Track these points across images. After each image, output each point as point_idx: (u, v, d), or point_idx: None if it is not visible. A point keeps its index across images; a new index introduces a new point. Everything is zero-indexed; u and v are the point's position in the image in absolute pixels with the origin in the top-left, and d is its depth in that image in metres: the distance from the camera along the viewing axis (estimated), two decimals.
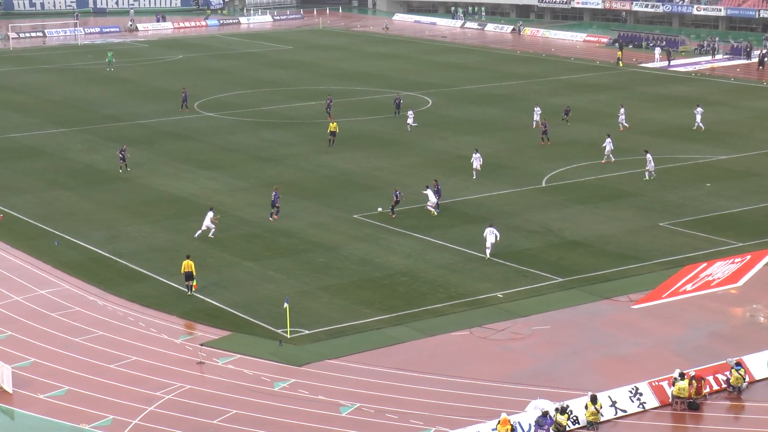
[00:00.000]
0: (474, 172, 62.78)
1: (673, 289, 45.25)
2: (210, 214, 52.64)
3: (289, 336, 40.53)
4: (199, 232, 52.44)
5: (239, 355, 39.00)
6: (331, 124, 71.78)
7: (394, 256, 49.67)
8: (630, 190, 60.22)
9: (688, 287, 45.40)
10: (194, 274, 44.91)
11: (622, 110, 76.95)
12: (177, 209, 57.77)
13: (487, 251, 49.04)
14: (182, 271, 44.92)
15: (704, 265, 47.95)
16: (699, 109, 76.31)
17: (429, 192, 56.00)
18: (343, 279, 46.90)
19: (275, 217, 55.31)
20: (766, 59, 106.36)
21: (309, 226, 54.51)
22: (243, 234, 53.35)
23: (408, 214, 56.13)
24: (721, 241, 51.43)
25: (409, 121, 75.97)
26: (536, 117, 77.15)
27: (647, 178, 61.93)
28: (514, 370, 37.62)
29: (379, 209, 55.49)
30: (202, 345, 39.78)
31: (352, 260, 49.25)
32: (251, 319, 42.37)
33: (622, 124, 75.96)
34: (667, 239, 51.80)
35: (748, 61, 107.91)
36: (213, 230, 52.40)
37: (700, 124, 75.46)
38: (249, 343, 40.20)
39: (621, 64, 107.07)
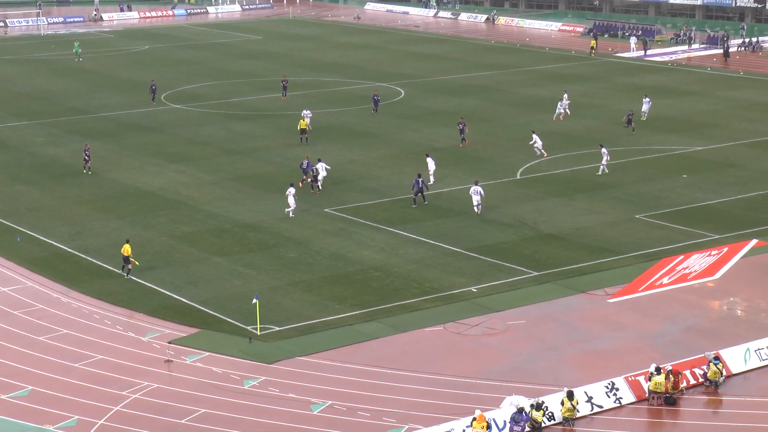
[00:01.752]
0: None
1: (649, 282, 45.45)
2: (292, 190, 54.37)
3: (259, 333, 40.47)
4: (290, 209, 54.26)
5: (208, 353, 38.90)
6: (301, 120, 71.31)
7: (366, 251, 49.67)
8: (606, 182, 60.43)
9: (665, 280, 45.61)
10: (131, 257, 46.19)
11: (566, 96, 77.26)
12: (143, 204, 57.55)
13: (476, 209, 53.63)
14: (122, 253, 46.43)
15: (681, 257, 48.20)
16: (646, 99, 76.91)
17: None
18: (314, 274, 46.86)
19: (306, 181, 58.71)
20: (731, 50, 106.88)
21: (279, 220, 54.42)
22: (211, 229, 53.21)
23: (381, 207, 56.13)
24: (698, 233, 51.70)
25: (307, 120, 71.72)
26: (560, 109, 76.27)
27: (600, 173, 61.85)
28: (488, 366, 37.70)
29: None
30: (169, 342, 39.65)
31: (324, 255, 49.22)
32: (220, 316, 42.28)
33: (565, 111, 76.18)
34: (644, 232, 52.03)
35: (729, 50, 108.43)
36: (292, 208, 54.22)
37: (646, 114, 76.01)
38: (218, 340, 40.11)
39: (593, 54, 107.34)
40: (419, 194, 56.14)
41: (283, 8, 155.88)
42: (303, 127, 70.53)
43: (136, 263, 46.66)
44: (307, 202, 57.07)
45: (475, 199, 54.21)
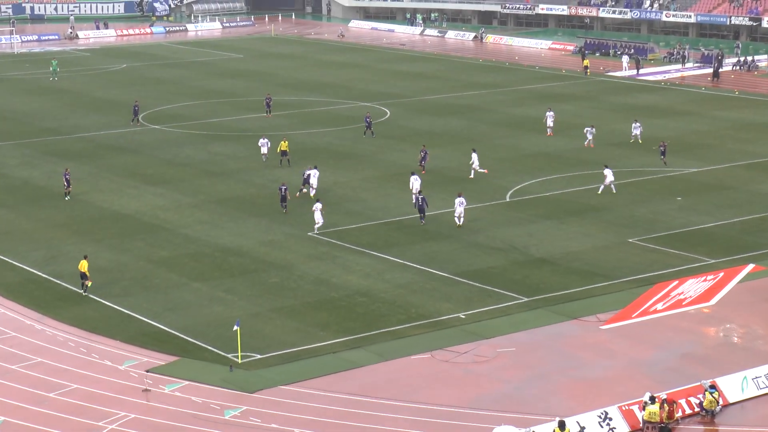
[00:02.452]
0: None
1: (643, 308, 45.51)
2: (318, 206, 55.82)
3: (240, 361, 40.36)
4: (317, 225, 55.59)
5: (187, 382, 38.78)
6: (282, 142, 70.86)
7: (351, 276, 49.65)
8: (598, 205, 60.60)
9: (659, 306, 45.68)
10: (87, 274, 46.90)
11: (592, 129, 76.49)
12: (121, 227, 57.45)
13: (456, 220, 55.90)
14: (79, 269, 47.22)
15: (675, 283, 48.29)
16: (637, 125, 76.99)
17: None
18: (297, 300, 46.80)
19: (303, 192, 61.45)
20: (722, 69, 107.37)
21: (261, 244, 54.39)
22: (191, 253, 53.14)
23: (366, 230, 56.16)
24: (693, 257, 51.84)
25: (263, 150, 70.79)
26: (589, 136, 74.83)
27: (600, 192, 62.39)
28: (477, 395, 37.67)
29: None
30: (147, 371, 39.52)
31: (307, 280, 49.18)
32: (200, 344, 42.16)
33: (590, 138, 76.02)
34: (637, 256, 52.14)
35: (720, 69, 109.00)
36: (319, 224, 55.66)
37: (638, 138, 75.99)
38: (197, 368, 39.98)
39: (588, 74, 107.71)
40: (421, 212, 57.28)
41: (264, 26, 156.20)
42: (284, 149, 70.25)
43: (89, 284, 47.13)
44: (291, 225, 57.06)
45: (458, 211, 56.02)
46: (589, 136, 75.08)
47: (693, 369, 39.40)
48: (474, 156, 66.95)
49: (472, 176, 66.15)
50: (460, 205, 56.19)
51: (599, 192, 62.48)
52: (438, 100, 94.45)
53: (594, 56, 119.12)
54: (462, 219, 56.22)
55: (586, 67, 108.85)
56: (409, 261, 51.48)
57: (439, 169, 68.51)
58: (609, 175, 62.79)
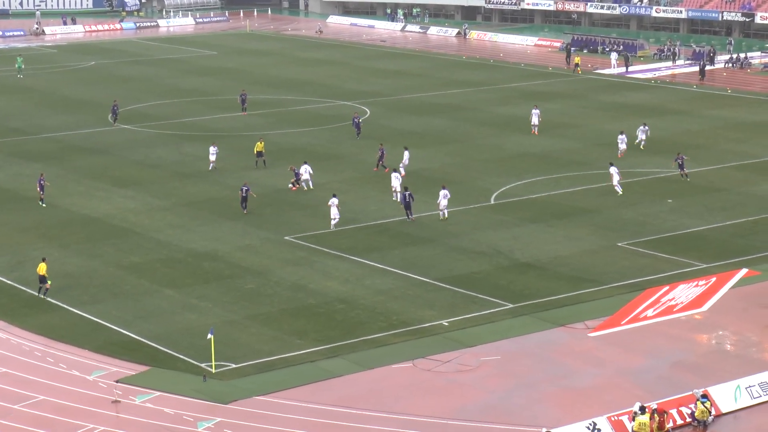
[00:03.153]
0: None
1: (632, 315, 45.60)
2: (335, 201, 57.03)
3: (214, 371, 40.29)
4: (334, 221, 56.79)
5: (159, 393, 38.68)
6: (258, 143, 70.79)
7: (330, 282, 49.62)
8: (585, 207, 60.73)
9: (649, 313, 45.78)
10: (47, 276, 47.50)
11: (645, 128, 75.76)
12: (89, 231, 57.29)
13: (440, 213, 57.74)
14: (37, 272, 47.65)
15: (666, 288, 48.41)
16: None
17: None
18: (273, 307, 46.75)
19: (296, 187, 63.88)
20: (708, 68, 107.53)
21: (236, 249, 54.31)
22: (162, 258, 53.02)
23: (345, 234, 56.14)
24: (685, 262, 51.98)
25: (212, 158, 69.20)
26: (642, 135, 74.62)
27: (620, 192, 62.73)
28: (462, 405, 37.69)
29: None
30: (117, 381, 39.41)
31: (284, 286, 49.13)
32: (172, 353, 42.07)
33: (643, 139, 75.29)
34: (626, 260, 52.26)
35: (712, 67, 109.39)
36: (336, 220, 56.79)
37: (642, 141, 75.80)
38: (169, 378, 39.89)
39: (579, 71, 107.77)
40: (407, 209, 58.08)
41: (239, 21, 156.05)
42: (259, 149, 70.19)
43: (47, 287, 47.58)
44: (267, 229, 56.99)
45: (443, 203, 57.84)
46: (642, 136, 74.64)
47: (684, 378, 39.50)
48: (406, 153, 67.56)
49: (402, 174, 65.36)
50: (444, 198, 57.80)
51: (620, 193, 62.39)
52: (420, 98, 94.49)
53: (582, 53, 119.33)
54: (446, 212, 57.73)
55: (576, 65, 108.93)
56: (389, 266, 51.47)
57: (421, 170, 68.51)
58: (615, 174, 62.95)
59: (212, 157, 69.41)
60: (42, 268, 47.67)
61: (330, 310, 46.38)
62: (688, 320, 45.37)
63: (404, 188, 59.64)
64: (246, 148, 73.29)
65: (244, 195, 60.04)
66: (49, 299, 47.34)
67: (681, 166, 66.91)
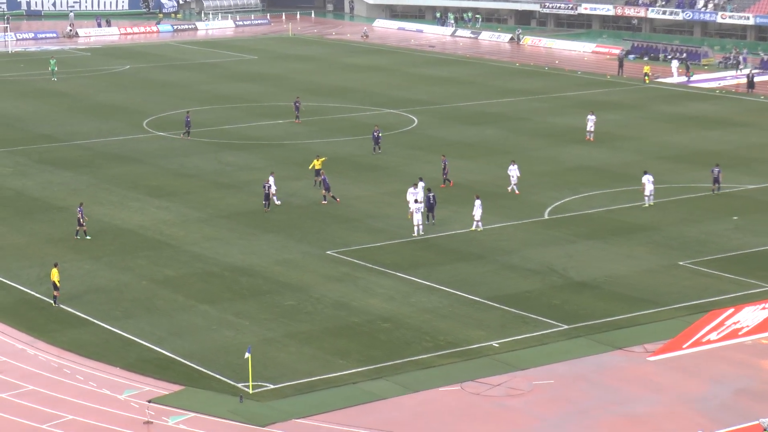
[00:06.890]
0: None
1: (695, 338, 45.31)
2: (478, 202, 58.68)
3: (251, 391, 40.36)
4: (418, 227, 57.95)
5: (193, 414, 38.79)
6: (315, 160, 67.53)
7: (373, 299, 49.62)
8: (644, 224, 60.43)
9: (713, 336, 45.47)
10: (57, 284, 48.03)
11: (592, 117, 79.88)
12: (122, 243, 57.61)
13: (474, 225, 58.63)
14: (51, 279, 48.59)
15: (731, 310, 48.05)
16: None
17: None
18: (314, 325, 46.79)
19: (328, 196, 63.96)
20: (755, 79, 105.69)
21: (275, 263, 54.43)
22: (198, 273, 53.22)
23: (390, 249, 56.13)
24: (751, 283, 51.60)
25: (272, 189, 63.35)
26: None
27: (647, 204, 62.88)
28: None
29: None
30: (149, 401, 39.54)
31: (325, 303, 49.18)
32: (207, 372, 42.18)
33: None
34: (688, 280, 51.94)
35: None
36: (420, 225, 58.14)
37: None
38: (204, 399, 40.00)
39: (647, 81, 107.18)
40: (430, 212, 59.26)
41: (281, 25, 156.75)
42: (317, 167, 66.79)
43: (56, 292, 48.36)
44: (308, 242, 57.10)
45: (478, 213, 58.79)
46: None
47: (750, 406, 39.18)
48: (513, 168, 66.95)
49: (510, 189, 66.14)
50: (479, 207, 58.67)
51: (646, 205, 62.33)
52: (470, 107, 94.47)
53: (642, 60, 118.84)
54: (480, 224, 58.72)
55: (645, 74, 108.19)
56: (436, 283, 51.41)
57: (471, 182, 68.39)
58: (648, 183, 62.66)
59: (272, 189, 63.34)
60: (54, 274, 48.17)
61: (373, 329, 46.37)
62: (755, 345, 45.00)
63: (428, 189, 60.31)
64: (287, 157, 73.44)
65: (266, 192, 61.06)
66: (62, 306, 47.78)
67: (716, 179, 66.25)
